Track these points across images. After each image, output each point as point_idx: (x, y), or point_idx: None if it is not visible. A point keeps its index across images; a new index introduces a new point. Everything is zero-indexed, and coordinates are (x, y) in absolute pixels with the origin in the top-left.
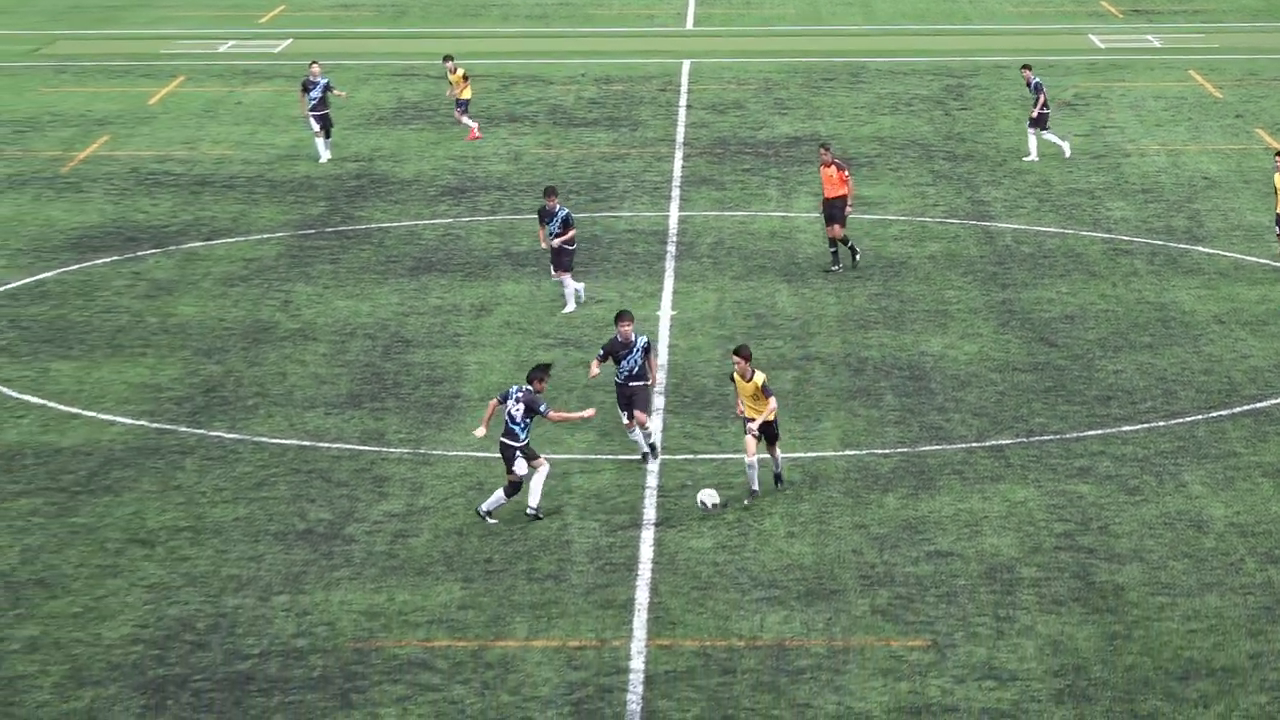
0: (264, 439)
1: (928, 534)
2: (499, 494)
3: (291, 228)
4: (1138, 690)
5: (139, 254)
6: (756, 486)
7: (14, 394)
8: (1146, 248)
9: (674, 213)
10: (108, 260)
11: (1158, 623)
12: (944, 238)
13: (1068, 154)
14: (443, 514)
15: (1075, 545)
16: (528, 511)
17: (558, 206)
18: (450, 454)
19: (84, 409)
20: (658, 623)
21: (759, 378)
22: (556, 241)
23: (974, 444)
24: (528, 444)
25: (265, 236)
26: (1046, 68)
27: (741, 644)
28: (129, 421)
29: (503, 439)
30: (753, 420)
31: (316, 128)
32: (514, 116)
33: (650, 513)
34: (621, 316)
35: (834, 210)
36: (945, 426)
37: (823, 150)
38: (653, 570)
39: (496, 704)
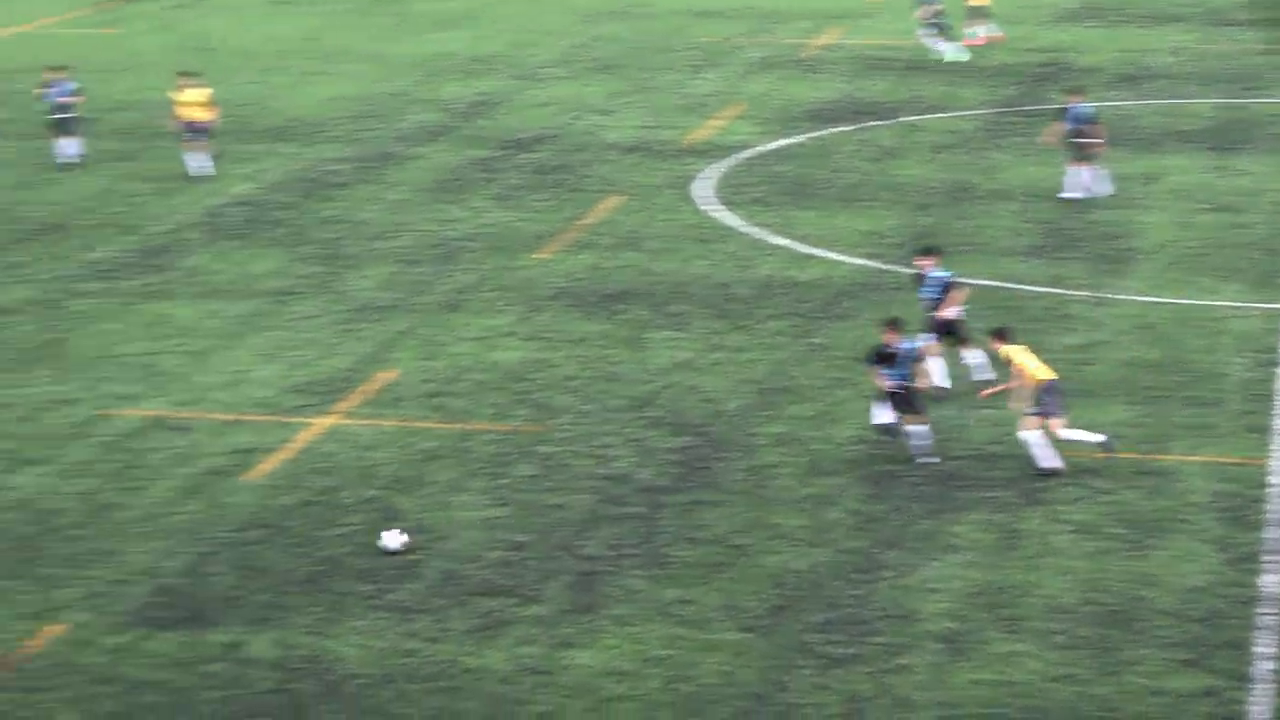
0: (963, 280)
1: None
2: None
3: (989, 106)
4: None
5: (866, 124)
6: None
7: (766, 236)
8: None
9: None
10: (841, 129)
11: None
12: None
13: None
14: (1116, 347)
15: None
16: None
17: (1079, 105)
18: (1122, 297)
19: (820, 250)
20: None
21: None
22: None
23: None
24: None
25: (968, 113)
26: None
27: None
28: (856, 261)
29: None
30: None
31: (936, 32)
32: (1177, 18)
33: None
34: (889, 324)
35: None
36: None
37: None
38: None
39: (1157, 507)
